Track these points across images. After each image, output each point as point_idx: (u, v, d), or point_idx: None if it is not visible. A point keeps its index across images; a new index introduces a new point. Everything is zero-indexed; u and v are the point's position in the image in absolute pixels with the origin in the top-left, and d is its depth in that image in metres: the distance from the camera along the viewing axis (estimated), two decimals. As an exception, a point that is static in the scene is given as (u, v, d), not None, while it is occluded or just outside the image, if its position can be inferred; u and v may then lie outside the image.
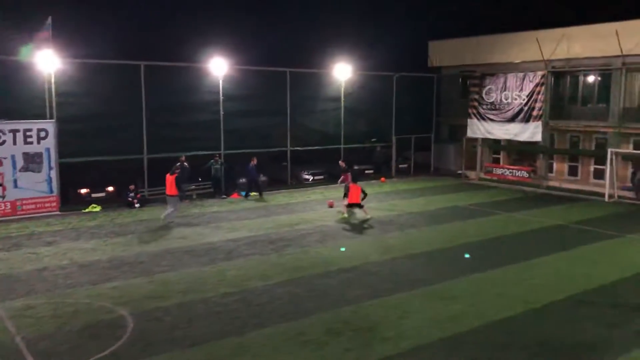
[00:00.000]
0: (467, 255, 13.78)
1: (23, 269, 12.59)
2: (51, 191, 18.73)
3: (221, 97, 22.47)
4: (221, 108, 22.50)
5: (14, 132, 17.89)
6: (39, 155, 18.40)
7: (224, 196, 22.13)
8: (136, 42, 25.47)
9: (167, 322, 9.56)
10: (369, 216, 17.90)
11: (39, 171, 18.45)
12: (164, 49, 24.20)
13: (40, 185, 18.49)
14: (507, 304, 10.58)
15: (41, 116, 18.75)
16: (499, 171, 27.22)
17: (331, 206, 19.94)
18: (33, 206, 18.40)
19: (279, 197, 22.25)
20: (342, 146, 26.52)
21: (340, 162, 22.21)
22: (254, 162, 21.90)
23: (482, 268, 12.82)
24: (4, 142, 17.71)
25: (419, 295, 11.02)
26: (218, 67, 22.20)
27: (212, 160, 22.08)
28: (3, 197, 17.87)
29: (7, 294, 10.84)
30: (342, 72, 25.89)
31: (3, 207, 17.88)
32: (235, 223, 17.49)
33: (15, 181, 18.01)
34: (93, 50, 20.94)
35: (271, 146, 24.39)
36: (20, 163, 18.07)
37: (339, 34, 31.07)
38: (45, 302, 10.40)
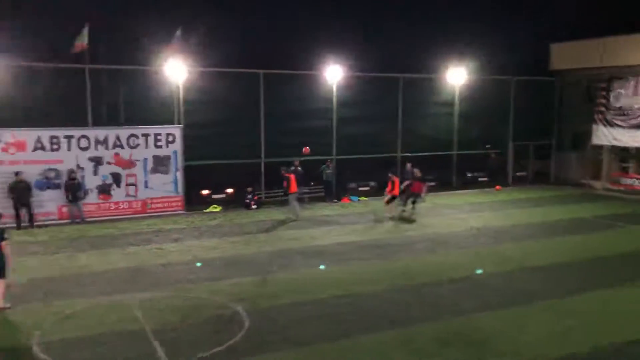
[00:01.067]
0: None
1: (151, 263, 13.67)
2: (177, 191, 20.14)
3: (334, 104, 22.94)
4: (334, 114, 22.98)
5: (146, 136, 19.47)
6: (167, 158, 19.87)
7: (335, 200, 22.53)
8: (256, 51, 26.66)
9: (280, 321, 9.94)
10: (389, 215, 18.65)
11: (167, 173, 19.92)
12: (281, 57, 25.12)
13: (167, 186, 19.95)
14: (636, 325, 9.83)
15: (169, 122, 20.27)
16: (627, 181, 25.26)
17: None
18: (161, 205, 19.90)
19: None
20: (455, 152, 26.00)
21: (414, 169, 20.36)
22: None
23: (606, 284, 12.01)
24: (137, 145, 19.34)
25: (536, 310, 10.54)
26: (332, 74, 22.69)
27: (324, 165, 22.58)
28: (135, 196, 19.49)
29: (137, 286, 11.84)
30: (456, 76, 25.37)
31: (135, 206, 19.51)
32: (346, 227, 17.75)
33: (146, 182, 19.60)
34: (216, 60, 22.25)
35: (381, 152, 24.46)
36: (150, 165, 19.63)
37: (454, 37, 30.41)
38: (171, 295, 11.23)
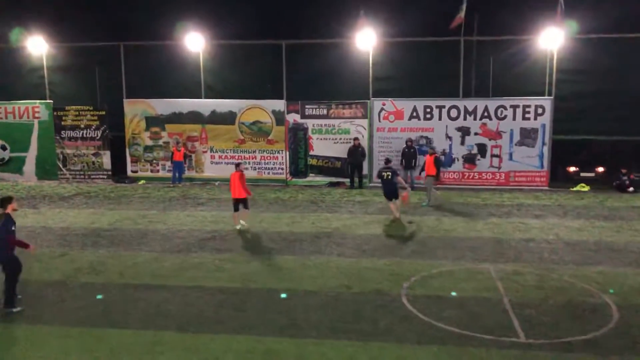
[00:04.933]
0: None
1: (512, 236, 13.58)
2: (542, 166, 19.39)
3: None
4: None
5: (515, 107, 19.20)
6: (535, 130, 19.24)
7: None
8: None
9: None
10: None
11: (533, 146, 19.33)
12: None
13: (532, 159, 19.39)
14: None
15: (539, 93, 19.48)
16: None
17: None
18: (524, 179, 19.50)
19: None
20: None
21: None
22: None
23: None
24: (505, 116, 19.26)
25: None
26: None
27: None
28: (499, 167, 19.55)
29: (498, 257, 11.93)
30: None
31: (497, 177, 19.60)
32: None
33: (510, 154, 19.43)
34: (597, 26, 20.19)
35: None
36: (516, 137, 19.33)
37: None
38: (532, 272, 10.98)
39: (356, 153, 19.37)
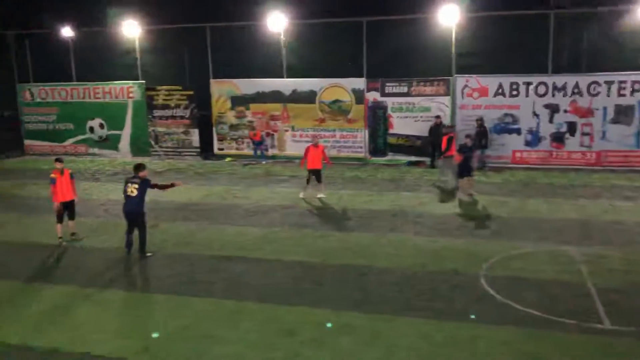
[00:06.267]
0: None
1: (600, 218, 12.97)
2: (638, 146, 18.24)
3: None
4: None
5: (609, 84, 18.12)
6: (630, 108, 18.08)
7: None
8: None
9: None
10: None
11: (628, 124, 18.20)
12: None
13: (627, 139, 18.28)
14: None
15: (634, 68, 18.23)
16: None
17: None
18: (617, 159, 18.44)
19: None
20: None
21: None
22: None
23: None
24: (598, 93, 18.23)
25: None
26: None
27: None
28: (590, 147, 18.60)
29: (583, 240, 11.46)
30: None
31: (588, 157, 18.66)
32: None
33: (603, 133, 18.41)
34: None
35: None
36: (610, 115, 18.27)
37: None
38: (619, 256, 10.47)
39: (438, 131, 19.09)
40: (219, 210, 14.47)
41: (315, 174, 15.21)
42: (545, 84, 18.72)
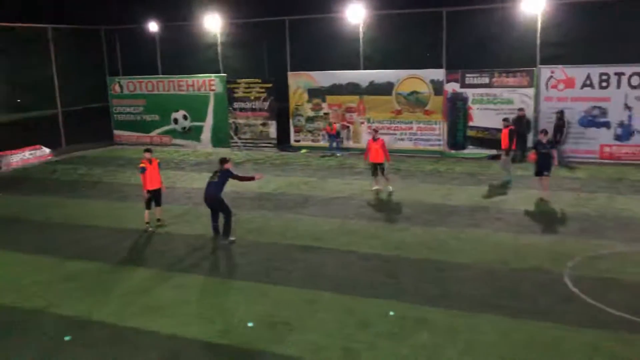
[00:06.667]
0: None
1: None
2: None
3: None
4: None
5: None
6: None
7: None
8: None
9: None
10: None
11: None
12: None
13: None
14: None
15: None
16: None
17: None
18: None
19: None
20: None
21: None
22: None
23: None
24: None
25: None
26: None
27: None
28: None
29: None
30: None
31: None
32: None
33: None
34: None
35: None
36: None
37: None
38: None
39: (521, 124, 18.37)
40: (294, 200, 14.66)
41: (379, 167, 15.14)
42: (639, 74, 17.59)
